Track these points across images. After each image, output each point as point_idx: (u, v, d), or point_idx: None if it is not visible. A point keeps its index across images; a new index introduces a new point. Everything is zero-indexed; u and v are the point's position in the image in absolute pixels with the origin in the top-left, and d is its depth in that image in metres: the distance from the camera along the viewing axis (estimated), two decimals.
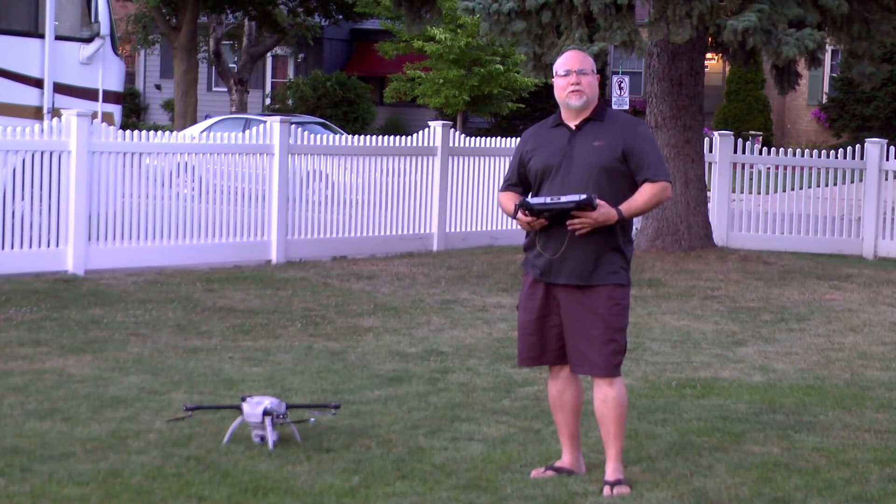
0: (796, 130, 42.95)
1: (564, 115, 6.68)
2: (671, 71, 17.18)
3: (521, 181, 6.82)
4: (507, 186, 6.88)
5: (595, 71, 6.67)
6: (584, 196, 6.40)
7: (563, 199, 6.44)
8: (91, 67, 16.11)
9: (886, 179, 18.62)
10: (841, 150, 18.92)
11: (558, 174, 6.58)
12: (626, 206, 6.51)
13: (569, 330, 6.61)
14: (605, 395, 6.60)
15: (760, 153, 19.54)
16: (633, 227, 6.91)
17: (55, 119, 14.23)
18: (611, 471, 6.61)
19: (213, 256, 14.91)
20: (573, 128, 6.64)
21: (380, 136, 17.33)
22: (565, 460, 6.85)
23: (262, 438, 7.17)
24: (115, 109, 16.52)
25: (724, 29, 15.08)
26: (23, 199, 13.68)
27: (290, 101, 41.39)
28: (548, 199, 6.48)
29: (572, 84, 6.58)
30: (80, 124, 13.83)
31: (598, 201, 6.42)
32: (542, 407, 8.33)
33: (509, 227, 18.04)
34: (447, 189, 17.47)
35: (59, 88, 15.67)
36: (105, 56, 16.23)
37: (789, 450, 7.47)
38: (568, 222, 6.46)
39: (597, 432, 7.43)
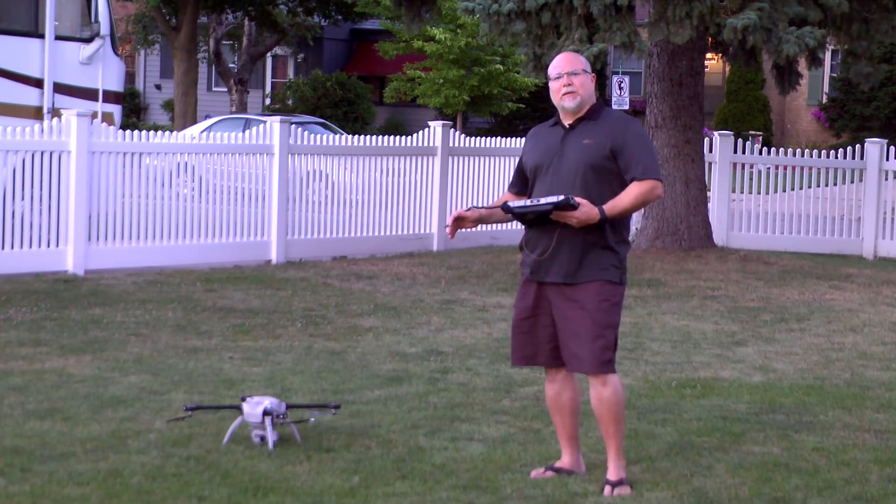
0: (796, 130, 42.96)
1: (561, 115, 6.73)
2: (671, 71, 17.18)
3: (520, 180, 6.86)
4: (509, 187, 6.99)
5: (589, 70, 6.68)
6: (560, 198, 6.43)
7: (542, 201, 6.49)
8: (91, 67, 16.11)
9: (886, 179, 18.62)
10: (841, 150, 18.92)
11: (548, 172, 6.63)
12: (610, 206, 6.49)
13: (559, 328, 6.62)
14: (600, 394, 6.60)
15: (760, 153, 19.54)
16: (632, 227, 6.88)
17: (55, 119, 14.23)
18: (612, 470, 6.61)
19: (213, 256, 14.91)
20: (567, 127, 6.67)
21: (380, 136, 17.33)
22: (565, 461, 6.85)
23: (262, 438, 7.17)
24: (115, 109, 16.51)
25: (724, 28, 15.09)
26: (23, 199, 13.68)
27: (290, 101, 41.41)
28: (527, 203, 6.54)
29: (564, 86, 6.62)
30: (80, 124, 13.83)
31: (578, 201, 6.42)
32: (542, 407, 8.32)
33: (509, 227, 17.95)
34: (447, 189, 17.47)
35: (59, 88, 15.67)
36: (105, 56, 16.23)
37: (789, 450, 7.47)
38: (552, 215, 6.49)
39: (596, 432, 7.44)
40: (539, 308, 6.69)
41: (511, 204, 6.59)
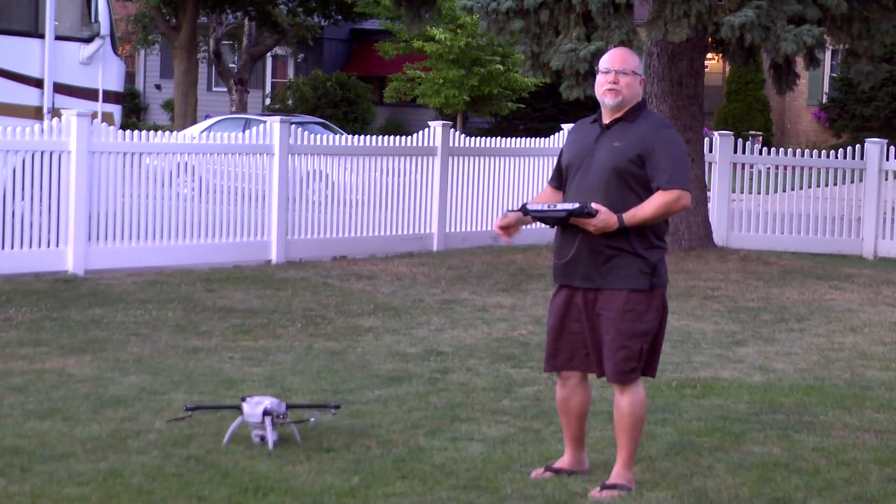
0: (796, 130, 42.95)
1: (602, 110, 6.61)
2: (671, 71, 17.18)
3: (558, 174, 6.76)
4: (549, 181, 6.85)
5: (640, 72, 6.53)
6: (576, 205, 6.37)
7: (559, 206, 6.44)
8: (91, 67, 16.11)
9: (886, 179, 18.62)
10: (841, 150, 18.92)
11: (578, 173, 6.55)
12: (630, 214, 6.37)
13: (586, 333, 6.57)
14: (618, 403, 6.57)
15: (760, 153, 19.54)
16: (666, 230, 6.63)
17: (55, 119, 14.23)
18: (612, 475, 6.58)
19: (213, 256, 14.91)
20: (604, 126, 6.57)
21: (380, 136, 17.32)
22: (565, 460, 6.83)
23: (262, 438, 7.17)
24: (115, 109, 16.52)
25: (722, 26, 15.09)
26: (23, 199, 13.68)
27: (290, 101, 41.39)
28: (544, 207, 6.50)
29: (609, 82, 6.49)
30: (80, 124, 13.83)
31: (596, 208, 6.33)
32: (542, 407, 8.33)
33: None
34: (447, 189, 17.46)
35: (59, 88, 15.68)
36: (105, 56, 16.23)
37: (789, 450, 7.47)
38: (571, 220, 6.44)
39: (597, 432, 7.45)
40: (568, 314, 6.60)
41: (529, 206, 6.53)
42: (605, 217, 6.35)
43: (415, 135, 17.62)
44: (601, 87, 6.54)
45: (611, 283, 6.45)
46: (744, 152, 19.03)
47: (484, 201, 17.94)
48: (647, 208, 6.40)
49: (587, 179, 6.50)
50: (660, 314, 6.54)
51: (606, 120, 6.58)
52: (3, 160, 13.50)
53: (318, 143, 16.58)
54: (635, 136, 6.45)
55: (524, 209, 6.54)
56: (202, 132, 25.12)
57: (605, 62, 6.57)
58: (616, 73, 6.49)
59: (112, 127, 14.74)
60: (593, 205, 6.36)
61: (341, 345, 10.42)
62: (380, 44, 39.56)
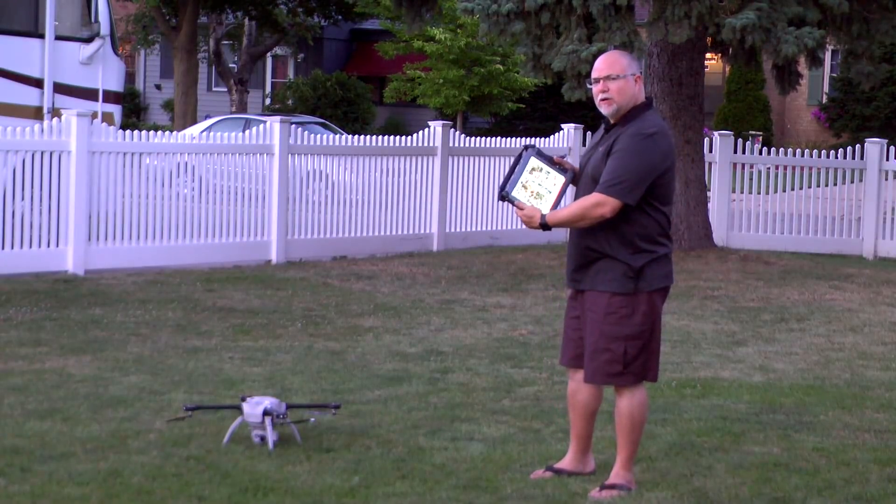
0: (796, 130, 42.95)
1: None
2: (671, 71, 17.18)
3: None
4: None
5: (631, 71, 6.43)
6: (505, 189, 6.52)
7: (509, 182, 6.55)
8: (91, 67, 16.12)
9: (886, 179, 18.62)
10: (841, 150, 18.93)
11: (579, 177, 6.59)
12: (552, 214, 6.45)
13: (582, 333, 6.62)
14: (617, 405, 6.61)
15: (760, 153, 19.55)
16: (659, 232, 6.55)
17: (55, 119, 14.23)
18: (612, 475, 6.59)
19: (213, 256, 14.91)
20: (605, 131, 6.57)
21: (380, 136, 17.32)
22: (565, 461, 6.83)
23: (262, 438, 7.17)
24: (115, 109, 16.52)
25: (723, 28, 15.09)
26: (23, 199, 13.68)
27: (290, 101, 41.40)
28: (514, 171, 6.56)
29: (600, 91, 6.45)
30: (80, 124, 13.83)
31: (518, 202, 6.45)
32: (542, 407, 8.34)
33: (509, 227, 18.03)
34: (447, 189, 17.46)
35: (59, 88, 15.68)
36: (105, 56, 16.24)
37: (789, 450, 7.47)
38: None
39: (598, 432, 7.45)
40: (572, 310, 6.68)
41: (530, 149, 6.56)
42: (528, 212, 6.47)
43: (415, 135, 17.62)
44: (596, 97, 6.50)
45: (597, 286, 6.48)
46: (744, 152, 19.03)
47: (484, 201, 17.94)
48: (567, 209, 6.46)
49: (580, 184, 6.57)
50: (649, 319, 6.49)
51: (611, 124, 6.57)
52: (3, 160, 13.50)
53: (318, 143, 16.59)
54: (614, 142, 6.42)
55: (527, 147, 6.61)
56: (202, 132, 25.12)
57: (593, 71, 6.53)
58: (604, 81, 6.45)
59: (112, 127, 14.74)
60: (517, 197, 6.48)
61: (341, 345, 10.42)
62: (380, 44, 39.55)
